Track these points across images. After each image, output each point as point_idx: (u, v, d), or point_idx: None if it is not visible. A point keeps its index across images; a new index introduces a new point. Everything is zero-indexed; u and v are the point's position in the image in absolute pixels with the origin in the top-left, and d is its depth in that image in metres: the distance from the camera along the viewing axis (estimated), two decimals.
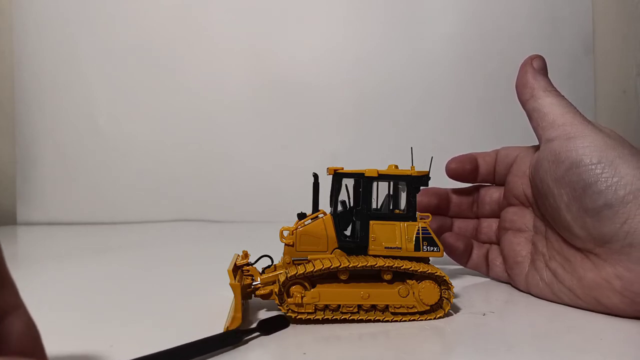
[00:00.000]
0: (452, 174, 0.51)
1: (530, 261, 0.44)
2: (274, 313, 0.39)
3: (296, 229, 0.38)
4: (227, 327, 0.34)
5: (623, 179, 0.35)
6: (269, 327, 0.35)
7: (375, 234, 0.38)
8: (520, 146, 0.49)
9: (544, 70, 0.44)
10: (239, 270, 0.39)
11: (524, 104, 0.44)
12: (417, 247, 0.38)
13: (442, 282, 0.37)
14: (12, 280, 0.22)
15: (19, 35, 1.05)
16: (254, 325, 0.35)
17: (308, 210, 0.40)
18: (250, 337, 0.34)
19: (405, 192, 0.40)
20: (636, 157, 0.36)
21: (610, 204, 0.35)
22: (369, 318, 0.37)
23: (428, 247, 0.38)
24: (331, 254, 0.38)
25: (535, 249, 0.44)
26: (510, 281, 0.47)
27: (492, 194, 0.51)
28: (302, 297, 0.36)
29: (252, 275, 0.39)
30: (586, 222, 0.37)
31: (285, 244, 0.38)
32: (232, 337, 0.32)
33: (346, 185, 0.40)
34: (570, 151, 0.38)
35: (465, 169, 0.50)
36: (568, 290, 0.39)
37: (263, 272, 0.40)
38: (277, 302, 0.36)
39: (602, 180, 0.36)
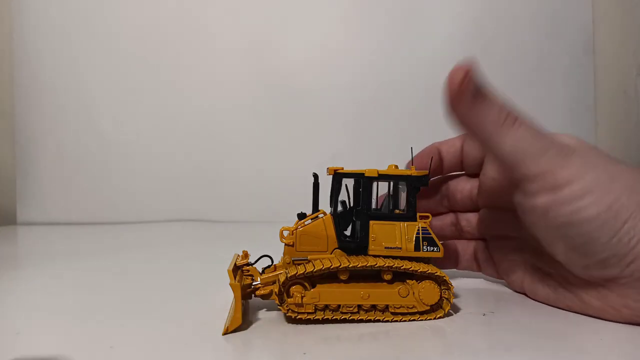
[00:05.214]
0: None
1: (524, 271, 0.41)
2: (274, 313, 0.39)
3: (296, 229, 0.38)
4: (227, 328, 0.34)
5: (627, 224, 0.31)
6: None
7: (375, 234, 0.38)
8: None
9: (485, 92, 0.33)
10: (239, 270, 0.39)
11: (481, 147, 0.36)
12: (417, 247, 0.38)
13: (442, 282, 0.37)
14: None
15: (18, 35, 1.05)
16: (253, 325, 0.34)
17: (308, 210, 0.40)
18: (248, 337, 0.34)
19: (405, 192, 0.40)
20: (631, 178, 0.32)
21: (616, 254, 0.32)
22: (369, 318, 0.37)
23: (428, 247, 0.38)
24: (331, 254, 0.38)
25: (529, 260, 0.41)
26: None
27: (463, 188, 0.45)
28: (302, 297, 0.36)
29: (252, 275, 0.39)
30: (588, 266, 0.34)
31: (285, 244, 0.38)
32: None
33: (346, 185, 0.40)
34: (562, 206, 0.32)
35: (425, 165, 0.43)
36: (569, 307, 0.37)
37: (263, 272, 0.40)
38: (277, 302, 0.36)
39: (605, 233, 0.31)
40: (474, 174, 0.45)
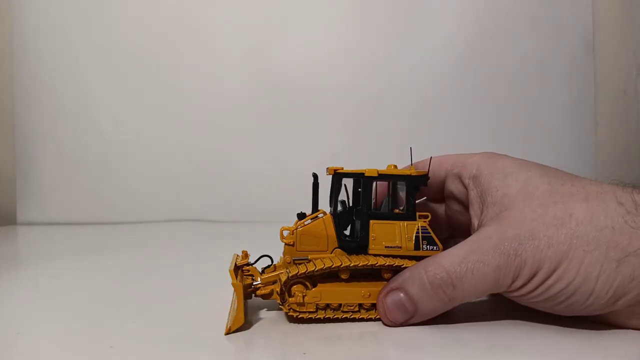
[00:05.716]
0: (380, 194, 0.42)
1: None
2: (274, 313, 0.39)
3: (296, 228, 0.38)
4: (230, 327, 0.34)
5: (599, 280, 0.30)
6: None
7: (375, 234, 0.38)
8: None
9: (413, 302, 0.34)
10: (239, 270, 0.39)
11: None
12: (416, 246, 0.38)
13: None
14: None
15: (18, 35, 1.05)
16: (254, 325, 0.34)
17: (308, 210, 0.40)
18: (250, 337, 0.34)
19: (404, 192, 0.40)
20: (584, 222, 0.31)
21: (598, 306, 0.32)
22: (370, 317, 0.37)
23: (427, 246, 0.38)
24: (331, 253, 0.38)
25: None
26: None
27: (462, 214, 0.42)
28: (303, 297, 0.36)
29: (252, 275, 0.39)
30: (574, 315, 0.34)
31: (286, 244, 0.38)
32: None
33: (346, 185, 0.40)
34: (532, 293, 0.33)
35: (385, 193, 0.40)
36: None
37: (263, 272, 0.40)
38: (278, 301, 0.36)
39: (581, 296, 0.31)
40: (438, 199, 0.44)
